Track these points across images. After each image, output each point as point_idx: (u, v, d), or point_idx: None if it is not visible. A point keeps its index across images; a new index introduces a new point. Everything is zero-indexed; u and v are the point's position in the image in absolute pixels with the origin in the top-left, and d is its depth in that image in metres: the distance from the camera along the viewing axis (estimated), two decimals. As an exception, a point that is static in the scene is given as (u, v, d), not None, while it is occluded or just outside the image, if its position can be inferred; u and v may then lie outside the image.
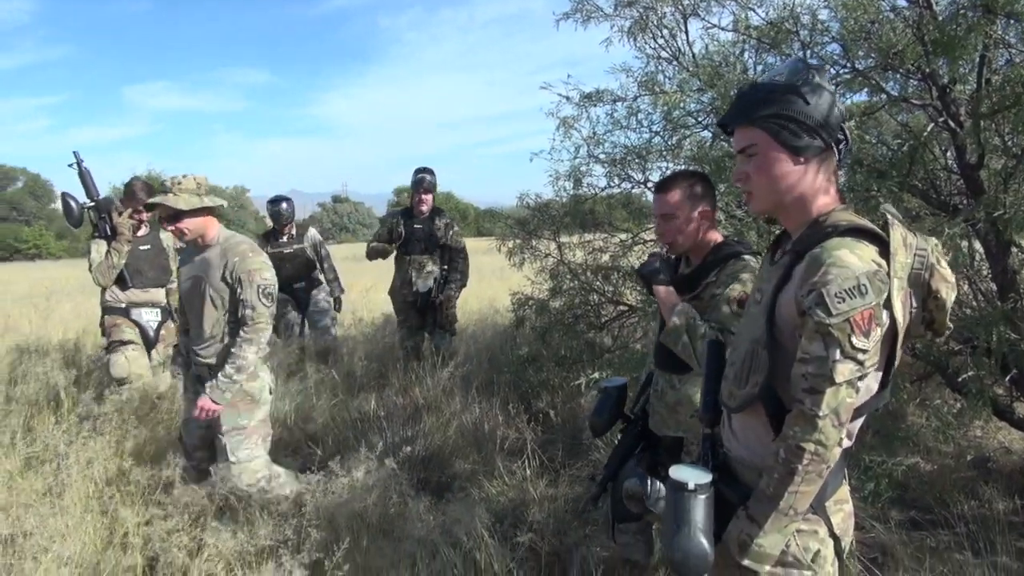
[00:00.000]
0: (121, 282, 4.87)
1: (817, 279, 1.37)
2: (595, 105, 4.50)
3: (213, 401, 3.19)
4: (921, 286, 1.48)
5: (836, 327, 1.35)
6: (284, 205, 6.44)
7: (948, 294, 1.49)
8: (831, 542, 1.52)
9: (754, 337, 1.53)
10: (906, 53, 3.20)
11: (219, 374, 3.21)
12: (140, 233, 5.41)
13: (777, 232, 1.72)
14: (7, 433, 3.95)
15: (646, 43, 4.32)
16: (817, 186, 1.50)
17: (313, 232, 6.69)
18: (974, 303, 3.47)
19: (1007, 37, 3.08)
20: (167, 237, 5.27)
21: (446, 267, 5.83)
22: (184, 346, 3.63)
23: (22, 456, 3.79)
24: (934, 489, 3.48)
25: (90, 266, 4.81)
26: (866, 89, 3.50)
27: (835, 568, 1.54)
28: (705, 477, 1.52)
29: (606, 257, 4.97)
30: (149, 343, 4.97)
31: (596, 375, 4.90)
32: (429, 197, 5.78)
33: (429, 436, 4.29)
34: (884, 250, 1.42)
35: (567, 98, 4.50)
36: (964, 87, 3.30)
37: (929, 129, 3.36)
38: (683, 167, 4.47)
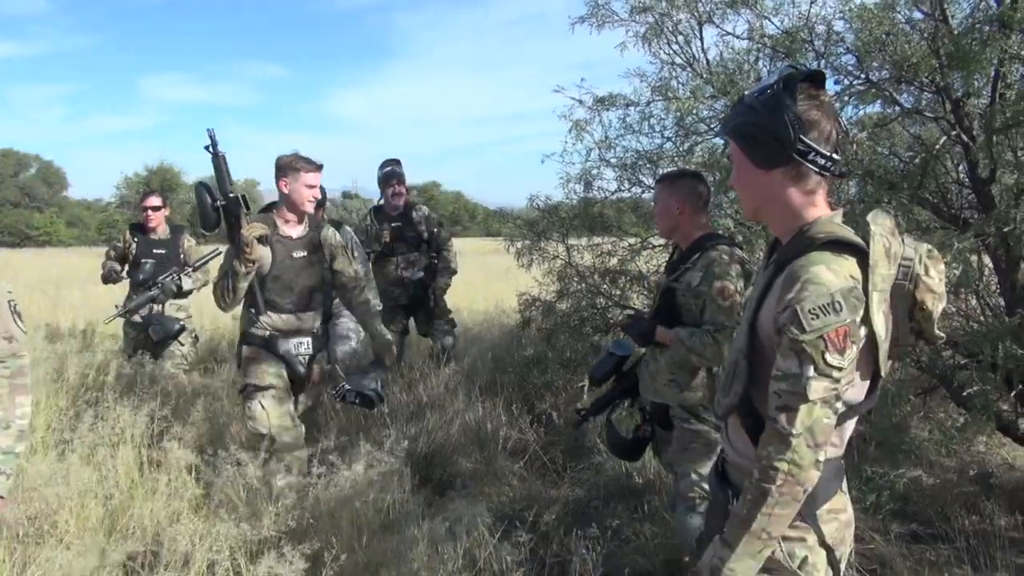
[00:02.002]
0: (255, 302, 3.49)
1: (792, 296, 1.37)
2: (608, 109, 4.51)
3: None
4: (905, 296, 1.47)
5: (809, 344, 1.34)
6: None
7: (934, 305, 1.47)
8: (823, 552, 1.49)
9: (739, 346, 1.53)
10: (920, 66, 3.21)
11: None
12: (159, 233, 5.35)
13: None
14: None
15: (660, 49, 4.32)
16: (795, 196, 1.48)
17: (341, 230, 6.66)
18: (981, 318, 3.46)
19: (1022, 52, 3.08)
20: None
21: (435, 255, 5.54)
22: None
23: (39, 440, 3.82)
24: (935, 503, 3.47)
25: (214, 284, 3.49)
26: (879, 101, 3.50)
27: None
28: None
29: (614, 261, 4.98)
30: (299, 381, 3.63)
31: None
32: (403, 189, 5.47)
33: (432, 433, 4.30)
34: (864, 262, 1.40)
35: (580, 101, 4.51)
36: (978, 101, 3.30)
37: (942, 142, 3.36)
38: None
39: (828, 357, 1.34)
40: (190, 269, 5.29)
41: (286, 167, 3.37)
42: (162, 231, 5.44)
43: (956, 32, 3.11)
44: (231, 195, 3.21)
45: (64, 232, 46.40)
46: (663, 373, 2.76)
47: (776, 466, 1.37)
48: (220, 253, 5.22)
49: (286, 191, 3.40)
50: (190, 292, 5.39)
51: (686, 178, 2.81)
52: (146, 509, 3.12)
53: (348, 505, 3.02)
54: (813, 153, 1.44)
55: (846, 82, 3.61)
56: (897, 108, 3.47)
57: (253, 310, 3.44)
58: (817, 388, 1.35)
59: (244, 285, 3.25)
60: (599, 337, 5.11)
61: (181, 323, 5.29)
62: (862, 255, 1.41)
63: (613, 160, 4.63)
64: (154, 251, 5.33)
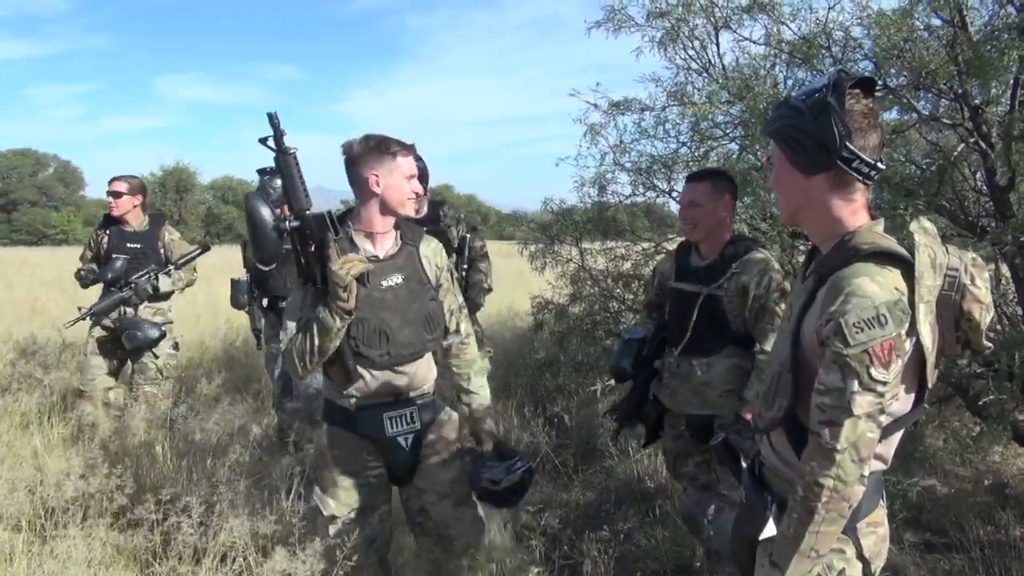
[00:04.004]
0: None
1: (836, 308, 1.34)
2: (623, 113, 4.51)
3: None
4: (952, 307, 1.44)
5: (854, 358, 1.32)
6: None
7: (982, 315, 1.45)
8: (859, 565, 1.47)
9: (781, 359, 1.51)
10: (938, 72, 3.19)
11: None
12: (135, 224, 4.54)
13: (804, 248, 1.75)
14: (43, 412, 4.03)
15: (676, 54, 4.33)
16: (836, 203, 1.46)
17: None
18: (998, 326, 3.44)
19: (1042, 60, 3.06)
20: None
21: (466, 267, 4.46)
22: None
23: (58, 434, 3.86)
24: (950, 512, 3.45)
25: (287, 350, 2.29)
26: (897, 107, 3.49)
27: None
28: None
29: (628, 265, 4.98)
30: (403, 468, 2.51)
31: (612, 382, 4.92)
32: (422, 190, 4.44)
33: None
34: (908, 273, 1.38)
35: (595, 106, 4.52)
36: (997, 108, 3.28)
37: (959, 149, 3.34)
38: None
39: (873, 371, 1.32)
40: (171, 267, 4.51)
41: (375, 153, 2.25)
42: (137, 222, 4.58)
43: (975, 39, 3.09)
44: (308, 212, 2.09)
45: (81, 231, 46.83)
46: (718, 384, 2.65)
47: (821, 482, 1.34)
48: (206, 251, 4.82)
49: (378, 188, 2.26)
50: (170, 294, 4.61)
51: (727, 178, 2.76)
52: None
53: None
54: (857, 161, 1.42)
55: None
56: (915, 115, 3.45)
57: (341, 374, 2.27)
58: (861, 403, 1.32)
59: (337, 343, 2.15)
60: (611, 341, 5.11)
61: (161, 328, 4.46)
62: (907, 266, 1.38)
63: (628, 164, 4.63)
64: (128, 245, 4.50)
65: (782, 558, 1.41)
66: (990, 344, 1.52)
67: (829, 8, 3.69)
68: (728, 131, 4.22)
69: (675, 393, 2.75)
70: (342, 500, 2.34)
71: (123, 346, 4.37)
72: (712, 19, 4.18)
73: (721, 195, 2.66)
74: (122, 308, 4.41)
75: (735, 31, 4.15)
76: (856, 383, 1.32)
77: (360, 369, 2.25)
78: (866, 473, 1.36)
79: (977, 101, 3.22)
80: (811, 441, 1.38)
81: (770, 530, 1.52)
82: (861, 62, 3.60)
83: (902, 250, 1.41)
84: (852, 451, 1.33)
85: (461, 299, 2.54)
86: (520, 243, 5.38)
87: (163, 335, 4.45)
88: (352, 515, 2.33)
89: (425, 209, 4.14)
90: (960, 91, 3.23)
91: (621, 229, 5.06)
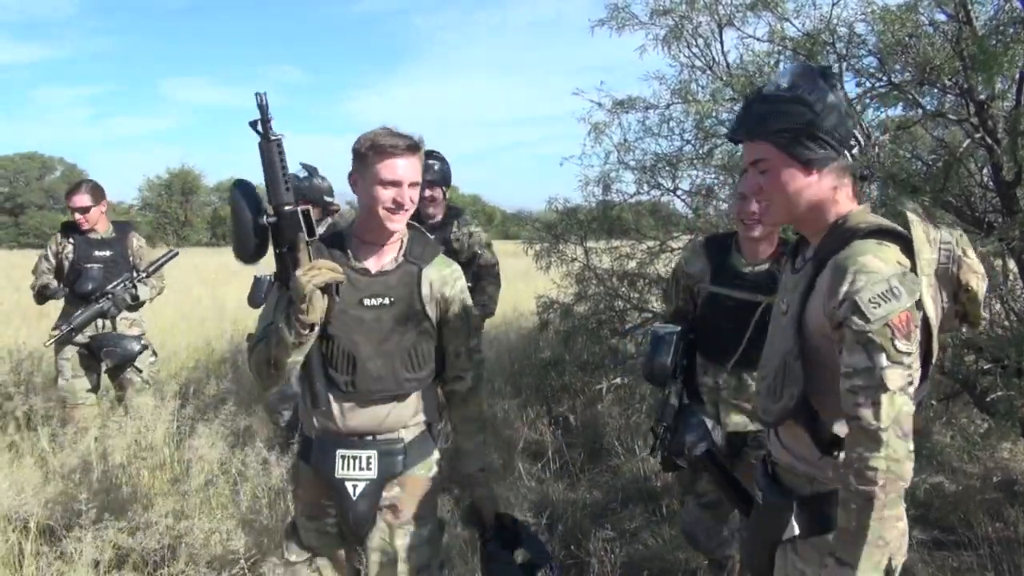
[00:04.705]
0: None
1: (847, 288, 1.33)
2: (627, 112, 4.51)
3: None
4: (950, 280, 1.45)
5: (877, 333, 1.30)
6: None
7: (979, 285, 1.45)
8: None
9: (784, 349, 1.48)
10: (944, 68, 3.18)
11: None
12: (101, 232, 4.25)
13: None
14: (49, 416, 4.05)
15: (680, 52, 4.32)
16: (833, 192, 1.45)
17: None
18: (1006, 322, 3.42)
19: (1048, 54, 3.05)
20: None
21: (470, 285, 3.83)
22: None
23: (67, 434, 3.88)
24: (958, 509, 3.43)
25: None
26: (902, 103, 3.48)
27: None
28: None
29: (633, 264, 4.97)
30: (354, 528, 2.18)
31: (618, 380, 4.92)
32: (438, 193, 3.97)
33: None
34: (907, 248, 1.38)
35: (599, 104, 4.52)
36: (1002, 103, 3.26)
37: (965, 145, 3.33)
38: (713, 176, 4.47)
39: (897, 344, 1.30)
40: (143, 274, 4.25)
41: (358, 152, 1.96)
42: (104, 229, 4.31)
43: (980, 34, 3.08)
44: (286, 208, 1.86)
45: (87, 234, 46.88)
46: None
47: (873, 465, 1.30)
48: (177, 254, 4.59)
49: (359, 194, 2.00)
50: (144, 303, 4.35)
51: None
52: (169, 507, 3.16)
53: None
54: (856, 146, 1.46)
55: (868, 84, 3.59)
56: (920, 111, 3.44)
57: (308, 395, 1.98)
58: (893, 376, 1.30)
59: (297, 359, 1.88)
60: (616, 340, 5.11)
61: (142, 342, 4.26)
62: (904, 241, 1.39)
63: (632, 163, 4.63)
64: (96, 254, 4.23)
65: (850, 554, 1.34)
66: (986, 316, 1.51)
67: (833, 4, 3.67)
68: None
69: (738, 412, 2.48)
70: (303, 544, 2.08)
71: (99, 360, 4.17)
72: (716, 16, 4.17)
73: None
74: (98, 321, 4.15)
75: (739, 28, 4.15)
76: (884, 358, 1.30)
77: (328, 394, 1.94)
78: (911, 448, 1.33)
79: (983, 96, 3.21)
80: (852, 428, 1.34)
81: (792, 530, 1.48)
82: (865, 58, 3.59)
83: (897, 227, 1.42)
84: (896, 427, 1.30)
85: (476, 342, 2.09)
86: (525, 242, 5.39)
87: (144, 348, 4.27)
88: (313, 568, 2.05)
89: (441, 214, 3.99)
90: (965, 86, 3.22)
91: (626, 228, 5.06)
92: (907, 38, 3.29)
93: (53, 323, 4.23)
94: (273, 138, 1.84)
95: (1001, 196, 3.30)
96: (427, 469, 2.06)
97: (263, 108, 1.83)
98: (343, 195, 4.10)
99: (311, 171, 3.89)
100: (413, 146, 1.93)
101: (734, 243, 2.49)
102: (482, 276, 4.08)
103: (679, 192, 4.67)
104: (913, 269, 1.37)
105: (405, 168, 1.91)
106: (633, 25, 4.29)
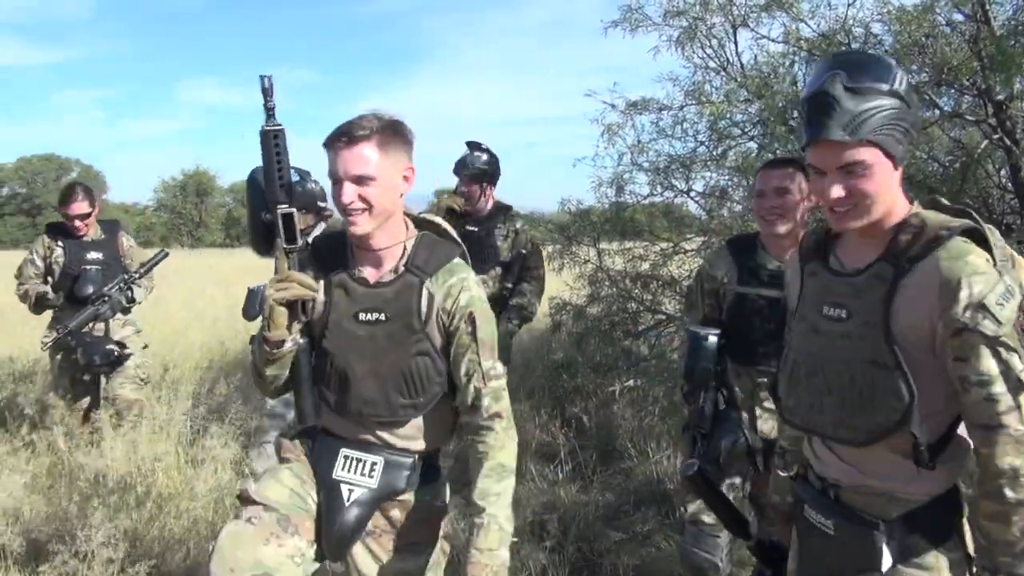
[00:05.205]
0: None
1: (969, 292, 1.25)
2: (640, 113, 4.50)
3: None
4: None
5: (1008, 335, 1.25)
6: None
7: None
8: (965, 565, 1.38)
9: (865, 357, 1.35)
10: (961, 68, 3.15)
11: None
12: (91, 234, 4.20)
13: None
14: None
15: (694, 52, 4.31)
16: (898, 188, 1.37)
17: None
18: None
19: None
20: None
21: (508, 286, 3.89)
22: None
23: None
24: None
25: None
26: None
27: None
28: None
29: (646, 265, 4.96)
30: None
31: (631, 382, 4.91)
32: (475, 189, 3.81)
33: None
34: (983, 243, 1.33)
35: (612, 106, 4.51)
36: (1021, 104, 3.23)
37: (983, 146, 3.30)
38: (727, 178, 4.45)
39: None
40: (136, 275, 4.16)
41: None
42: (93, 231, 4.25)
43: (998, 34, 3.05)
44: (280, 208, 1.71)
45: (103, 235, 47.35)
46: None
47: None
48: (167, 255, 4.53)
49: None
50: (136, 304, 4.27)
51: (804, 167, 2.38)
52: (182, 507, 3.18)
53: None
54: None
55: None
56: (937, 111, 3.41)
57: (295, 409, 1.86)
58: None
59: (275, 374, 1.78)
60: (629, 342, 5.09)
61: (117, 352, 4.08)
62: (978, 238, 1.33)
63: (645, 164, 4.62)
64: (88, 256, 4.15)
65: (1018, 563, 1.26)
66: None
67: (849, 4, 3.66)
68: (747, 130, 4.20)
69: (764, 418, 2.38)
70: (267, 490, 1.75)
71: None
72: (730, 17, 4.16)
73: (802, 186, 2.32)
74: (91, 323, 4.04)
75: (753, 29, 4.13)
76: (1018, 359, 1.26)
77: (328, 412, 1.80)
78: None
79: (1001, 97, 3.18)
80: (993, 438, 1.26)
81: (888, 558, 1.35)
82: (882, 59, 3.56)
83: (974, 224, 1.35)
84: None
85: (492, 363, 1.76)
86: (538, 244, 5.38)
87: (120, 358, 4.07)
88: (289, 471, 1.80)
89: (486, 210, 3.86)
90: (983, 87, 3.19)
91: (639, 229, 5.05)
92: (924, 38, 3.26)
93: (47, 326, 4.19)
94: (268, 127, 1.66)
95: (1020, 198, 3.27)
96: (431, 496, 1.85)
97: (266, 92, 1.66)
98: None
99: (303, 175, 3.79)
100: (357, 136, 1.65)
101: (758, 242, 2.42)
102: (522, 278, 3.90)
103: (692, 193, 4.65)
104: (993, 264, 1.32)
105: (346, 161, 1.65)
106: (646, 26, 4.29)
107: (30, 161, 54.14)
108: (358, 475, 1.76)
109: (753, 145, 4.25)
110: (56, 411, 4.06)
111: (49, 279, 4.18)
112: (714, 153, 4.37)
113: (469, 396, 1.75)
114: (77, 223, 4.12)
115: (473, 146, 3.86)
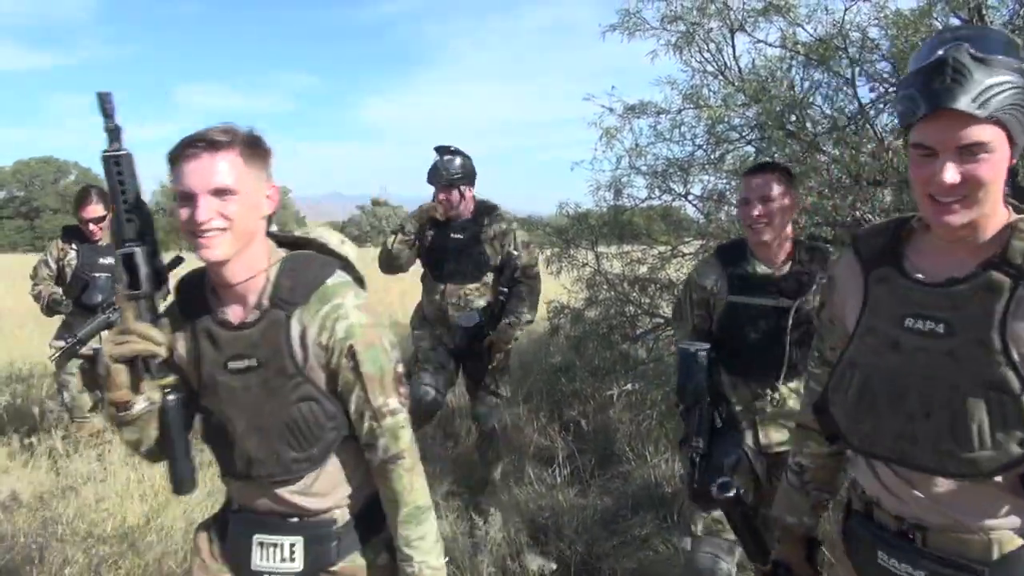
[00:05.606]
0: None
1: None
2: (638, 117, 4.50)
3: None
4: None
5: None
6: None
7: None
8: None
9: (979, 381, 1.18)
10: (958, 73, 3.16)
11: None
12: (104, 239, 4.06)
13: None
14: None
15: (692, 57, 4.32)
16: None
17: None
18: None
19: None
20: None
21: (504, 289, 3.71)
22: None
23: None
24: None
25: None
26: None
27: None
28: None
29: (644, 269, 4.96)
30: None
31: (629, 386, 4.91)
32: (454, 195, 3.64)
33: (462, 440, 4.33)
34: None
35: (610, 109, 4.51)
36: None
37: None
38: (725, 181, 4.46)
39: None
40: None
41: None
42: (106, 237, 4.15)
43: (995, 38, 3.06)
44: (125, 244, 1.41)
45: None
46: None
47: None
48: (183, 261, 4.23)
49: None
50: None
51: (791, 172, 2.41)
52: (180, 511, 3.17)
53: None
54: None
55: (881, 89, 3.57)
56: (934, 116, 3.42)
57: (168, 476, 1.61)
58: None
59: (129, 438, 1.53)
60: (627, 346, 5.09)
61: None
62: None
63: (643, 168, 4.62)
64: (101, 261, 4.10)
65: None
66: None
67: (846, 9, 3.66)
68: (744, 134, 4.20)
69: (766, 430, 2.34)
70: None
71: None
72: (727, 22, 4.17)
73: (791, 190, 2.30)
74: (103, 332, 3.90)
75: (750, 34, 4.14)
76: None
77: (229, 476, 1.56)
78: None
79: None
80: None
81: None
82: (879, 63, 3.57)
83: None
84: None
85: (384, 399, 1.47)
86: (536, 247, 5.38)
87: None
88: None
89: (468, 213, 3.71)
90: (980, 91, 3.19)
91: (637, 233, 5.05)
92: (921, 43, 3.27)
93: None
94: (109, 152, 1.39)
95: (1019, 201, 3.27)
96: (374, 553, 1.56)
97: (106, 112, 1.38)
98: (358, 199, 4.03)
99: None
100: (218, 142, 1.38)
101: (748, 249, 2.37)
102: (518, 280, 3.68)
103: (690, 197, 4.65)
104: None
105: (204, 171, 1.37)
106: (644, 31, 4.30)
107: (28, 164, 54.10)
108: (278, 562, 1.52)
109: (751, 149, 4.25)
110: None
111: (60, 282, 4.16)
112: (712, 157, 4.37)
113: (364, 435, 1.49)
114: (92, 226, 4.10)
115: (442, 151, 3.66)
